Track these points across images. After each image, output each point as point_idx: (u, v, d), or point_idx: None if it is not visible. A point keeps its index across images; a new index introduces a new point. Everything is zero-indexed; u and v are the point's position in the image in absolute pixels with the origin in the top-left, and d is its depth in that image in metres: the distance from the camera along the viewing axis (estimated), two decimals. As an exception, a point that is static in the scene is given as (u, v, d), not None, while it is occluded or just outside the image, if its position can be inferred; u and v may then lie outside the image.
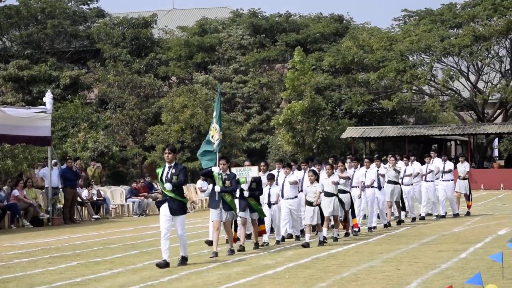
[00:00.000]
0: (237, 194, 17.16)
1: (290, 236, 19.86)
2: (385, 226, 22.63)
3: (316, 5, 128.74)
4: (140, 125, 54.73)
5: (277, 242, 18.78)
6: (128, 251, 18.13)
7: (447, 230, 22.50)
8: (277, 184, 18.94)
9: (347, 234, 20.17)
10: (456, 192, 27.12)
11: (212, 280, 12.97)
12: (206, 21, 62.51)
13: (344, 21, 62.72)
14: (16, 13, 59.40)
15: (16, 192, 26.89)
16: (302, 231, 19.22)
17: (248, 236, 18.29)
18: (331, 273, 13.94)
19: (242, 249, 17.01)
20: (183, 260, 14.29)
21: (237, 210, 16.84)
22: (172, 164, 14.26)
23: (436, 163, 26.64)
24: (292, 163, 21.24)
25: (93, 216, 29.01)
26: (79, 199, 29.87)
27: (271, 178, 18.86)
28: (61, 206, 27.85)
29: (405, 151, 51.52)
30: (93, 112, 53.93)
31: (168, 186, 14.07)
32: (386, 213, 23.26)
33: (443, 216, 25.92)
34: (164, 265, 13.84)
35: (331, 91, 56.14)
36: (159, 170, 14.56)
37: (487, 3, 52.37)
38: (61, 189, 28.05)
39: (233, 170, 17.56)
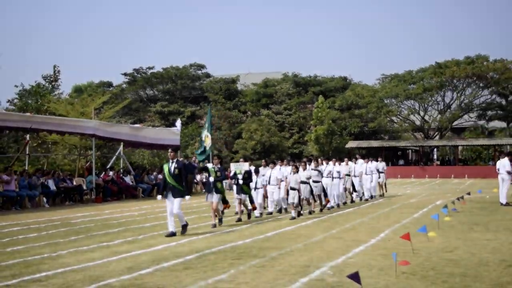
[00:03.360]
0: (240, 181, 16.33)
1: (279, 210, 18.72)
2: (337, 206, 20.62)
3: (331, 68, 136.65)
4: (230, 139, 58.29)
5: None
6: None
7: (406, 201, 22.82)
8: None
9: (321, 210, 18.73)
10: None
11: (232, 238, 11.86)
12: (267, 79, 65.01)
13: (348, 80, 65.34)
14: (161, 76, 64.86)
15: (160, 175, 27.68)
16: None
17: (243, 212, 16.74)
18: (340, 224, 14.64)
19: (239, 220, 15.97)
20: (184, 228, 13.07)
21: (225, 193, 15.45)
22: (175, 160, 13.10)
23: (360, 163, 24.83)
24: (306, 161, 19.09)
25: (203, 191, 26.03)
26: (195, 180, 30.65)
27: (256, 171, 17.76)
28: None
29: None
30: (203, 131, 61.81)
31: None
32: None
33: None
34: (171, 234, 12.65)
35: (340, 120, 57.75)
36: (165, 166, 13.33)
37: (430, 70, 56.27)
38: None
39: (232, 164, 17.33)
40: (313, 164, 19.06)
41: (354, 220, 16.01)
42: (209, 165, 15.38)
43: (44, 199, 23.38)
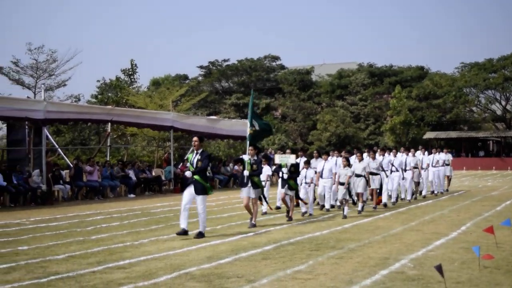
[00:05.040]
0: (285, 175, 14.40)
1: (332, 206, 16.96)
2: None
3: (408, 57, 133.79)
4: (304, 131, 59.08)
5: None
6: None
7: (487, 194, 22.29)
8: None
9: (375, 207, 16.83)
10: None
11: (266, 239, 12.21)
12: (342, 70, 64.70)
13: (425, 69, 64.22)
14: (236, 68, 65.43)
15: (235, 167, 28.49)
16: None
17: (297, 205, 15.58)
18: (419, 216, 14.36)
19: (290, 219, 14.24)
20: (199, 235, 11.24)
21: (265, 188, 14.41)
22: (199, 151, 11.52)
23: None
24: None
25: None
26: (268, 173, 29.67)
27: (307, 163, 16.02)
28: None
29: (460, 147, 55.23)
30: (277, 123, 57.54)
31: (188, 173, 11.46)
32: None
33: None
34: (183, 233, 11.27)
35: (417, 110, 56.91)
36: (189, 156, 11.95)
37: (512, 58, 54.22)
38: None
39: (276, 156, 15.18)
40: (369, 156, 17.59)
41: (433, 212, 15.73)
42: (245, 157, 13.47)
43: (127, 190, 23.99)
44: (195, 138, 11.77)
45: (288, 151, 16.33)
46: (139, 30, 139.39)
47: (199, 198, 11.27)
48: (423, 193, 21.64)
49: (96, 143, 36.70)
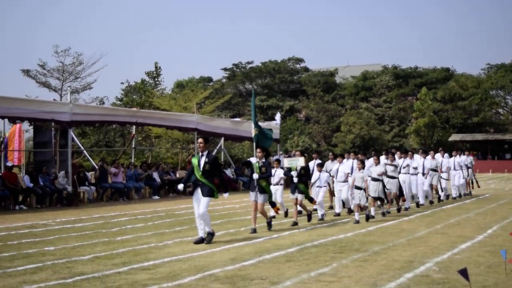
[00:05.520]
0: (295, 179, 13.91)
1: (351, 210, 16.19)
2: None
3: (433, 59, 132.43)
4: (328, 133, 58.81)
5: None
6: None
7: None
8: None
9: (398, 210, 16.58)
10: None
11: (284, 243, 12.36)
12: (366, 71, 64.24)
13: (450, 71, 63.46)
14: (259, 70, 65.61)
15: None
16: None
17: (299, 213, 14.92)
18: (444, 219, 14.20)
19: (294, 224, 13.54)
20: (209, 235, 10.79)
21: (273, 194, 13.40)
22: (205, 153, 11.01)
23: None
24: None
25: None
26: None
27: (320, 165, 15.58)
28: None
29: (487, 150, 54.69)
30: (301, 125, 58.50)
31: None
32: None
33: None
34: (200, 241, 10.73)
35: (442, 112, 56.49)
36: (194, 159, 11.16)
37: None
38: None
39: (285, 159, 14.99)
40: (386, 158, 16.94)
41: (459, 215, 15.59)
42: (253, 159, 12.80)
43: (151, 192, 24.13)
44: (200, 140, 11.31)
45: (297, 153, 15.93)
46: (163, 33, 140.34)
47: (204, 199, 10.80)
48: (442, 197, 20.81)
49: (121, 145, 36.88)
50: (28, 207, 19.12)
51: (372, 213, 14.97)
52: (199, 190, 10.93)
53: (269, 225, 12.82)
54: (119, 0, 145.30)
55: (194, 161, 11.15)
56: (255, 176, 12.37)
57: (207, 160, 10.97)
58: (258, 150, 12.74)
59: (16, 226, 13.81)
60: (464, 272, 6.47)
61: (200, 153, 11.13)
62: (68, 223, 14.45)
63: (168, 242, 10.97)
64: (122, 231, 12.84)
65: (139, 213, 17.17)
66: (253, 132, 13.33)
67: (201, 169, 10.93)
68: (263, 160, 12.62)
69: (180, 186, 11.86)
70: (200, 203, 10.83)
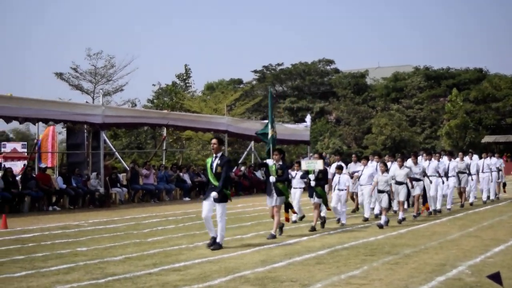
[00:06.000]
0: (312, 183, 13.35)
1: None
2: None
3: (465, 60, 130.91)
4: (359, 135, 58.47)
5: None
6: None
7: None
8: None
9: (417, 215, 15.54)
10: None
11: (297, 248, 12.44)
12: (397, 73, 63.62)
13: (483, 71, 62.32)
14: (289, 72, 65.64)
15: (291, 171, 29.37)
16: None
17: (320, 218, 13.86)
18: (476, 222, 14.01)
19: (313, 229, 13.02)
20: (216, 245, 10.33)
21: (289, 196, 12.84)
22: (219, 155, 10.59)
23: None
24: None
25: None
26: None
27: (339, 168, 15.11)
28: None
29: None
30: (331, 127, 58.57)
31: (213, 194, 10.34)
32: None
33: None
34: (213, 243, 10.41)
35: (474, 113, 55.58)
36: (208, 160, 10.80)
37: None
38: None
39: (302, 162, 14.34)
40: (411, 160, 16.19)
41: (492, 218, 15.36)
42: (269, 161, 12.33)
43: (182, 194, 24.30)
44: (214, 141, 10.83)
45: (315, 155, 15.50)
46: (193, 35, 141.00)
47: (220, 206, 10.45)
48: (471, 199, 19.95)
49: (152, 147, 37.29)
50: (61, 208, 19.37)
51: (401, 216, 14.41)
52: (211, 193, 10.47)
53: (281, 230, 12.43)
54: (151, 3, 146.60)
55: (207, 163, 10.80)
56: (272, 179, 11.97)
57: (219, 162, 10.56)
58: (275, 152, 12.37)
59: (50, 227, 13.98)
60: (497, 276, 6.35)
61: (214, 155, 10.74)
62: (100, 224, 14.61)
63: (198, 243, 10.98)
64: (153, 232, 12.91)
65: (170, 214, 17.26)
66: (269, 133, 13.21)
67: (214, 172, 10.53)
68: (280, 162, 12.20)
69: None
70: (211, 207, 10.48)
